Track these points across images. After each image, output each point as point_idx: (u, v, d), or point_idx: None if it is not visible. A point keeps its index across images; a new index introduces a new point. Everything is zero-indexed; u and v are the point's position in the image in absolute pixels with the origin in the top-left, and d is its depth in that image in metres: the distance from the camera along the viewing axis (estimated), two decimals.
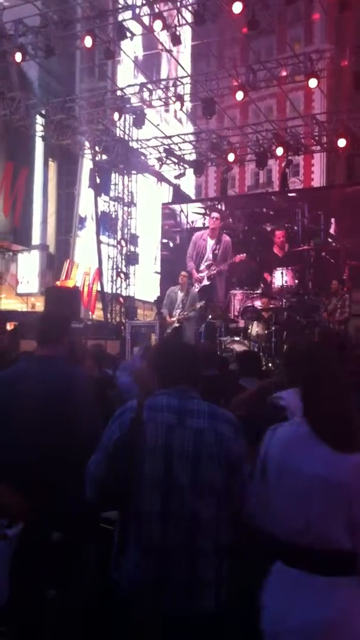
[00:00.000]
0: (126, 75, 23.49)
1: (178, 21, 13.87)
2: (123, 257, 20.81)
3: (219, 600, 2.51)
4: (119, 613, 2.51)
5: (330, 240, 16.93)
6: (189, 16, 14.07)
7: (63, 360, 3.35)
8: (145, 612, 2.47)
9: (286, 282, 15.24)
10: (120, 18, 13.94)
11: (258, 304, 14.22)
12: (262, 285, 15.47)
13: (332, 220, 16.98)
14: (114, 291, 20.51)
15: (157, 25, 13.19)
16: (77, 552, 3.04)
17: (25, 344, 8.93)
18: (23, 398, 3.09)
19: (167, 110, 24.97)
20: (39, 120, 18.01)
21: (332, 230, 17.05)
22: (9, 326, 15.18)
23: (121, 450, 2.53)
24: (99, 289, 21.29)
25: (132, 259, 20.90)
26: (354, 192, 17.36)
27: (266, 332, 12.85)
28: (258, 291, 14.75)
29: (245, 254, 16.25)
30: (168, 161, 19.81)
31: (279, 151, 17.21)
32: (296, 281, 15.43)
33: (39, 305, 21.41)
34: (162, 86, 17.25)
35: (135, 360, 6.62)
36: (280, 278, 15.21)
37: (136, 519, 2.49)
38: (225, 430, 2.57)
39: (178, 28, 14.04)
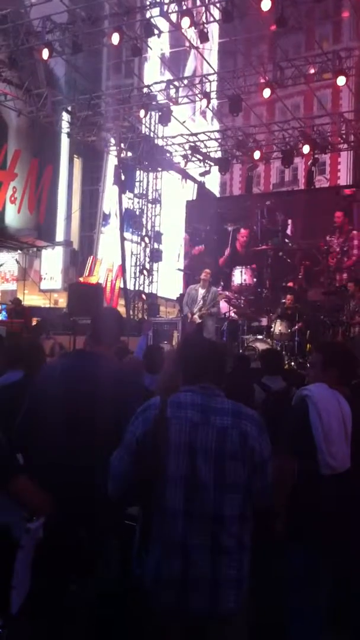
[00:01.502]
0: (153, 72, 23.50)
1: (206, 18, 13.82)
2: (147, 254, 20.82)
3: (239, 598, 2.51)
4: (140, 609, 2.50)
5: (287, 241, 17.75)
6: (216, 13, 13.99)
7: (109, 358, 3.38)
8: (167, 609, 2.46)
9: (245, 280, 16.39)
10: (147, 15, 13.94)
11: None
12: (222, 283, 16.56)
13: (289, 221, 17.89)
14: (137, 288, 20.54)
15: (185, 22, 13.15)
16: (101, 547, 3.05)
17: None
18: (72, 393, 3.11)
19: (193, 108, 24.93)
20: (65, 117, 18.09)
21: (289, 231, 17.90)
22: (33, 322, 15.31)
23: (144, 447, 2.51)
24: (122, 285, 21.32)
25: (155, 256, 20.91)
26: (310, 195, 18.13)
27: (289, 330, 12.77)
28: (219, 289, 15.12)
29: (203, 246, 17.87)
30: (193, 158, 19.79)
31: (306, 149, 17.12)
32: (254, 279, 16.46)
33: (62, 302, 21.52)
34: (188, 83, 17.18)
35: (142, 341, 6.66)
36: (240, 276, 16.38)
37: (159, 515, 2.48)
38: (249, 429, 2.55)
39: (206, 25, 13.98)
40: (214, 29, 16.06)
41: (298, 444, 2.97)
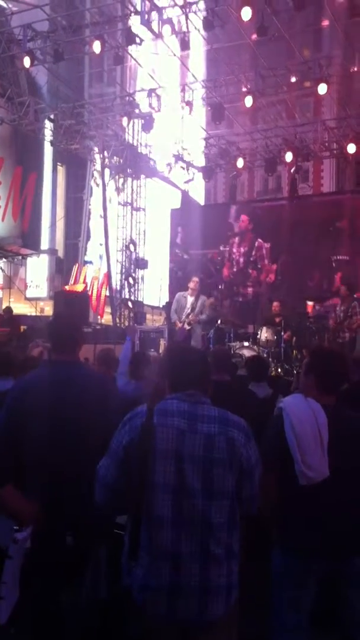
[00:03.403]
0: (140, 80, 23.48)
1: (187, 27, 13.89)
2: (132, 262, 20.84)
3: (228, 605, 2.52)
4: (130, 619, 2.50)
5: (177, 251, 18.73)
6: (198, 22, 14.09)
7: (85, 365, 3.34)
8: (156, 617, 2.46)
9: None
10: (129, 23, 13.99)
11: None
12: None
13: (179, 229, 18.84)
14: (123, 296, 20.53)
15: (166, 30, 13.23)
16: (89, 556, 3.04)
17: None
18: (49, 404, 3.08)
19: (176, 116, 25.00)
20: (48, 125, 18.09)
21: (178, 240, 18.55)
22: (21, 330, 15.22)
23: (131, 454, 2.51)
24: (108, 293, 21.31)
25: (140, 263, 20.93)
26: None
27: (275, 337, 12.82)
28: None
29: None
30: (177, 166, 19.85)
31: (288, 157, 17.22)
32: None
33: (48, 310, 21.42)
34: (171, 92, 17.24)
35: (126, 348, 6.67)
36: None
37: (147, 524, 2.48)
38: (236, 436, 2.56)
39: (188, 34, 14.06)
40: (198, 38, 16.12)
41: (275, 457, 3.00)
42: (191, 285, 12.90)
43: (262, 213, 19.03)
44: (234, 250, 18.88)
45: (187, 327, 12.43)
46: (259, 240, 18.36)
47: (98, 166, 22.08)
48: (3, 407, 3.19)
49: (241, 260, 18.75)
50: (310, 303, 14.12)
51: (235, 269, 18.74)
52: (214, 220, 19.40)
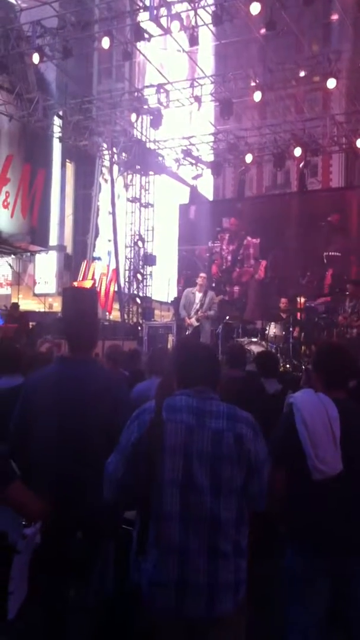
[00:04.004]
0: (148, 75, 23.46)
1: (195, 22, 13.84)
2: (140, 258, 20.83)
3: (237, 601, 2.51)
4: (138, 614, 2.50)
5: None
6: (207, 17, 14.03)
7: (98, 363, 3.36)
8: (164, 613, 2.46)
9: None
10: (138, 19, 13.95)
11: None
12: None
13: None
14: (131, 292, 20.53)
15: (175, 26, 13.19)
16: (98, 552, 3.05)
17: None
18: (58, 401, 3.10)
19: (185, 111, 24.96)
20: (57, 121, 18.09)
21: None
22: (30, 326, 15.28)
23: (139, 451, 2.51)
24: (116, 289, 21.33)
25: (149, 259, 20.92)
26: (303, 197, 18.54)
27: (284, 333, 12.79)
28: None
29: None
30: (185, 162, 19.80)
31: (297, 152, 17.16)
32: None
33: (57, 306, 21.47)
34: (180, 87, 17.20)
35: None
36: None
37: (156, 520, 2.48)
38: (244, 432, 2.55)
39: (196, 29, 14.01)
40: (207, 33, 16.07)
41: (285, 452, 2.98)
42: (199, 281, 12.93)
43: (251, 208, 18.97)
44: (224, 247, 18.82)
45: (195, 323, 12.45)
46: (248, 238, 18.30)
47: (106, 162, 22.08)
48: (17, 403, 3.22)
49: (229, 258, 18.70)
50: (301, 300, 13.93)
51: (224, 267, 18.69)
52: (205, 215, 19.47)
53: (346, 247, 16.77)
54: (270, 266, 17.86)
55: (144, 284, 21.18)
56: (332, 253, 16.83)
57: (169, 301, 20.10)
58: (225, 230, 18.83)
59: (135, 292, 20.96)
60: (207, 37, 18.34)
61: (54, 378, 3.25)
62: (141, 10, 13.61)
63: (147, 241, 21.36)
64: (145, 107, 17.36)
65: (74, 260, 25.47)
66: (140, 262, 21.10)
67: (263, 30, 14.06)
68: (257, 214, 18.44)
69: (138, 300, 20.75)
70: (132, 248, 21.32)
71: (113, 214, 21.16)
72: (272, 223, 17.66)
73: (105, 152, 20.52)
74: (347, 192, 19.80)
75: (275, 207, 18.59)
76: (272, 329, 12.94)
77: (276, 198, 22.38)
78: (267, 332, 13.03)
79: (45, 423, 3.08)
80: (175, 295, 18.18)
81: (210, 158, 20.02)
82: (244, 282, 17.85)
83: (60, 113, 17.69)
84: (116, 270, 21.07)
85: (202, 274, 13.56)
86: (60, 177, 24.94)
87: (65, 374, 3.23)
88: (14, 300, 19.73)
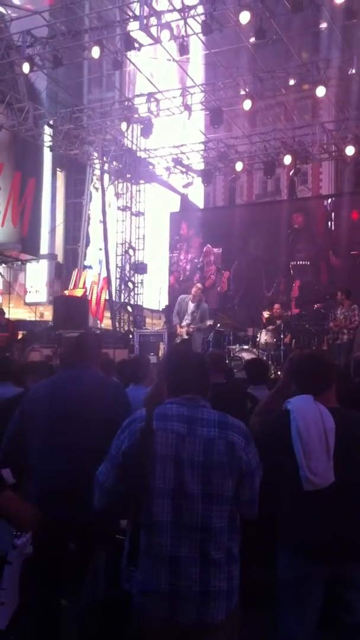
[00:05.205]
0: (139, 84, 23.54)
1: (185, 31, 13.90)
2: (131, 266, 20.85)
3: (229, 608, 2.50)
4: (130, 624, 2.49)
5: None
6: (197, 26, 14.10)
7: (96, 372, 3.43)
8: (156, 622, 2.45)
9: None
10: (128, 29, 14.00)
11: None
12: None
13: None
14: (122, 300, 20.53)
15: (165, 35, 13.24)
16: (89, 560, 3.04)
17: None
18: (54, 410, 3.17)
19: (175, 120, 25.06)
20: (47, 130, 18.10)
21: None
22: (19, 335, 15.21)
23: (131, 459, 2.50)
24: (107, 297, 21.33)
25: (140, 268, 20.94)
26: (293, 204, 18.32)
27: (275, 340, 12.81)
28: None
29: None
30: (176, 170, 19.85)
31: (287, 160, 17.23)
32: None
33: (48, 315, 21.43)
34: (170, 96, 17.27)
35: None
36: None
37: (147, 528, 2.47)
38: (235, 439, 2.55)
39: (186, 38, 14.07)
40: (197, 42, 16.17)
41: (278, 460, 2.98)
42: (193, 290, 12.95)
43: (211, 217, 18.78)
44: (182, 257, 18.64)
45: (186, 336, 12.47)
46: (208, 245, 18.16)
47: (97, 171, 22.13)
48: (16, 413, 3.27)
49: (188, 267, 18.48)
50: (266, 314, 13.66)
51: (181, 278, 18.40)
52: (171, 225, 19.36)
53: (314, 255, 16.51)
54: (233, 278, 17.61)
55: (135, 292, 21.20)
56: (300, 262, 16.54)
57: (160, 309, 20.12)
58: (183, 239, 18.68)
59: (127, 300, 20.97)
60: (197, 46, 18.46)
61: (50, 387, 3.33)
62: (131, 20, 13.64)
63: (138, 249, 21.39)
64: (136, 115, 17.41)
65: (65, 268, 25.46)
66: (131, 271, 21.11)
67: (253, 39, 14.11)
68: (218, 222, 18.22)
69: (129, 308, 20.76)
70: (123, 256, 21.34)
71: (104, 222, 21.19)
72: (235, 232, 17.32)
73: (96, 160, 20.54)
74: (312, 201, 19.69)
75: (240, 216, 18.18)
76: (263, 336, 12.97)
77: (241, 208, 22.11)
78: (258, 339, 13.05)
79: (41, 431, 3.12)
80: (167, 303, 18.19)
81: (201, 166, 20.07)
82: (207, 288, 17.52)
83: (51, 122, 17.71)
84: (107, 279, 21.09)
85: (198, 284, 13.60)
86: (51, 185, 24.93)
87: (63, 383, 3.33)
88: (4, 309, 19.67)
